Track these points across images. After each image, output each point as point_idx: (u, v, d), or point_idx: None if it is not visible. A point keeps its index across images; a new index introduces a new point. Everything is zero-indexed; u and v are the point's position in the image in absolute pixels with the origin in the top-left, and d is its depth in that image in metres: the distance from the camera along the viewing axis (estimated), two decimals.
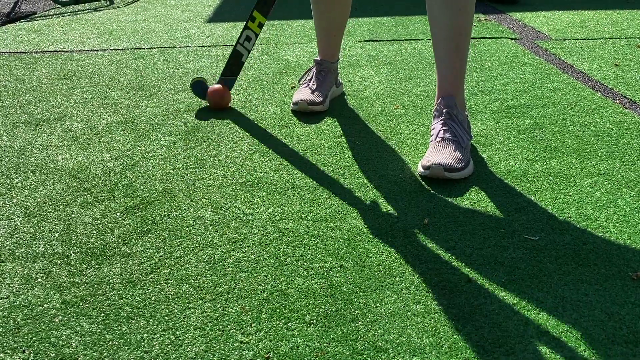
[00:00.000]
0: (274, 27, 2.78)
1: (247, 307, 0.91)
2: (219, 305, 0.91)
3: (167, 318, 0.89)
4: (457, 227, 1.11)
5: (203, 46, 2.43)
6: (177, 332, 0.86)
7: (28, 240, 1.09)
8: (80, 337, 0.85)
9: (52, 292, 0.95)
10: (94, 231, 1.12)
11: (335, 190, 1.26)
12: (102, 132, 1.57)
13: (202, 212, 1.18)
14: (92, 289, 0.96)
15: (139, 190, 1.27)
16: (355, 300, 0.92)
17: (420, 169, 1.29)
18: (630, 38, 2.42)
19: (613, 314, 0.89)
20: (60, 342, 0.85)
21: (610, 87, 1.84)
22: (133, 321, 0.88)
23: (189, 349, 0.83)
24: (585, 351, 0.82)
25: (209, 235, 1.10)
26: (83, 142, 1.51)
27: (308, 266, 1.01)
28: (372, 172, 1.33)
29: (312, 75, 1.73)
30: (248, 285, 0.96)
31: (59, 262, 1.03)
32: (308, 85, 1.72)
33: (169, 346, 0.84)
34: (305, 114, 1.67)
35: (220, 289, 0.95)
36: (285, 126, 1.59)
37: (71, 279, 0.98)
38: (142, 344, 0.84)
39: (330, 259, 1.03)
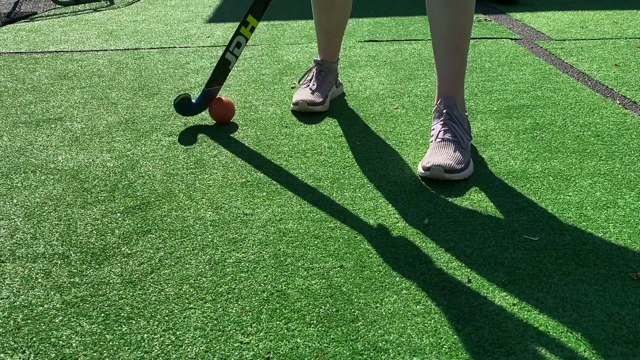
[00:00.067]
0: (274, 27, 2.78)
1: (247, 308, 0.91)
2: (219, 306, 0.91)
3: (167, 318, 0.89)
4: (457, 228, 1.11)
5: (203, 46, 2.43)
6: (178, 333, 0.86)
7: (28, 240, 1.09)
8: (81, 337, 0.86)
9: (52, 293, 0.95)
10: (94, 231, 1.12)
11: (336, 190, 1.26)
12: (102, 133, 1.57)
13: (202, 212, 1.18)
14: (92, 289, 0.96)
15: (139, 190, 1.27)
16: (355, 300, 0.92)
17: (420, 169, 1.29)
18: (630, 38, 2.42)
19: (613, 314, 0.89)
20: (61, 342, 0.85)
21: (610, 87, 1.84)
22: (133, 321, 0.88)
23: (189, 349, 0.83)
24: (585, 351, 0.82)
25: (209, 236, 1.10)
26: (83, 142, 1.51)
27: (308, 266, 1.01)
28: (372, 172, 1.33)
29: (313, 76, 1.73)
30: (248, 286, 0.96)
31: (59, 262, 1.03)
32: (308, 85, 1.72)
33: (169, 346, 0.84)
34: (306, 114, 1.67)
35: (220, 289, 0.95)
36: (286, 126, 1.59)
37: (71, 279, 0.98)
38: (143, 344, 0.84)
39: (331, 259, 1.03)
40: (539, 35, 2.54)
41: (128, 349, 0.83)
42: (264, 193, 1.25)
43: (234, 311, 0.90)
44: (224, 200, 1.22)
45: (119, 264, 1.02)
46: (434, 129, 1.37)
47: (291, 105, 1.71)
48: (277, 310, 0.90)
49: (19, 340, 0.85)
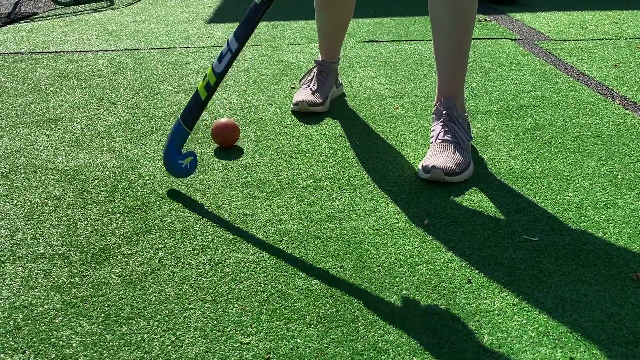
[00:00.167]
0: (274, 27, 2.78)
1: (247, 308, 0.91)
2: (219, 306, 0.92)
3: (167, 319, 0.89)
4: (457, 228, 1.11)
5: (203, 47, 2.43)
6: (178, 333, 0.86)
7: (28, 240, 1.09)
8: (81, 337, 0.86)
9: (52, 293, 0.95)
10: (95, 232, 1.12)
11: (336, 190, 1.26)
12: (103, 133, 1.57)
13: (203, 212, 1.18)
14: (92, 290, 0.96)
15: (140, 190, 1.27)
16: (355, 300, 0.92)
17: (420, 171, 1.29)
18: (630, 39, 2.42)
19: (613, 314, 0.89)
20: (61, 342, 0.85)
21: (610, 87, 1.84)
22: (133, 322, 0.88)
23: (189, 350, 0.83)
24: (585, 352, 0.82)
25: (209, 236, 1.10)
26: (83, 142, 1.51)
27: (308, 267, 1.01)
28: (372, 172, 1.33)
29: (313, 76, 1.73)
30: (248, 286, 0.96)
31: (59, 262, 1.03)
32: (309, 86, 1.72)
33: (169, 347, 0.84)
34: (306, 114, 1.67)
35: (220, 290, 0.95)
36: (286, 127, 1.59)
37: (71, 280, 0.98)
38: (143, 344, 0.84)
39: (331, 259, 1.03)
40: (539, 35, 2.54)
41: (128, 349, 0.83)
42: (264, 193, 1.25)
43: (234, 311, 0.90)
44: (223, 201, 1.22)
45: (119, 264, 1.02)
46: (433, 130, 1.37)
47: (291, 106, 1.71)
48: (277, 311, 0.90)
49: (19, 341, 0.85)
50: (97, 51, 2.40)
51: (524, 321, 0.88)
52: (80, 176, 1.33)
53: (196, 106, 1.24)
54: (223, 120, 1.48)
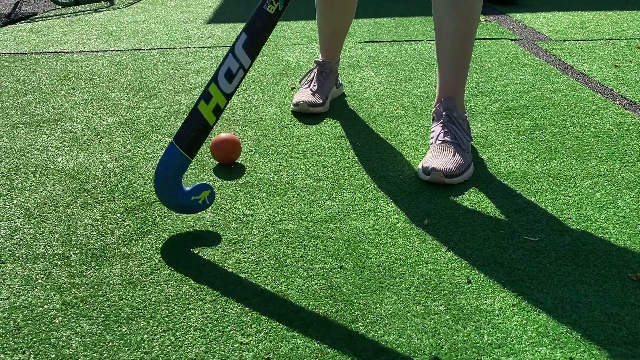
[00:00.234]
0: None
1: (247, 308, 0.91)
2: (219, 306, 0.92)
3: (167, 319, 0.89)
4: (457, 228, 1.11)
5: (203, 47, 2.43)
6: (177, 333, 0.86)
7: (28, 241, 1.09)
8: (81, 338, 0.86)
9: (52, 293, 0.95)
10: (94, 232, 1.12)
11: (335, 191, 1.26)
12: (103, 133, 1.57)
13: (202, 212, 1.18)
14: (92, 290, 0.96)
15: (139, 191, 1.27)
16: (355, 301, 0.92)
17: (421, 172, 1.29)
18: (630, 39, 2.42)
19: (612, 315, 0.89)
20: (61, 343, 0.85)
21: (610, 88, 1.84)
22: (133, 322, 0.88)
23: (189, 350, 0.83)
24: (584, 352, 0.82)
25: (209, 236, 1.10)
26: (83, 143, 1.51)
27: (308, 267, 1.01)
28: (372, 172, 1.33)
29: (313, 77, 1.73)
30: (248, 286, 0.96)
31: (59, 263, 1.03)
32: (309, 86, 1.72)
33: (169, 347, 0.84)
34: (306, 114, 1.67)
35: (220, 290, 0.95)
36: (286, 127, 1.59)
37: (71, 280, 0.98)
38: (142, 344, 0.84)
39: (330, 260, 1.03)
40: (539, 35, 2.54)
41: (128, 349, 0.83)
42: (264, 194, 1.25)
43: (233, 312, 0.90)
44: (223, 201, 1.22)
45: (119, 265, 1.02)
46: (433, 131, 1.37)
47: (291, 106, 1.71)
48: (277, 311, 0.90)
49: (19, 341, 0.85)
50: (97, 51, 2.40)
51: (524, 321, 0.88)
52: (80, 176, 1.33)
53: (200, 131, 1.06)
54: (223, 136, 1.35)
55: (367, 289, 0.95)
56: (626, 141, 1.46)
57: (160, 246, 1.07)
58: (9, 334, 0.87)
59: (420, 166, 1.30)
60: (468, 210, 1.17)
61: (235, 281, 0.97)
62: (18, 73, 2.11)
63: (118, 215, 1.18)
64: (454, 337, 0.85)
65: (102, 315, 0.90)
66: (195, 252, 1.05)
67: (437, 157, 1.29)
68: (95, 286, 0.97)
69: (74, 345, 0.84)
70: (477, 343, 0.84)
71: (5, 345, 0.84)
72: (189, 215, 1.16)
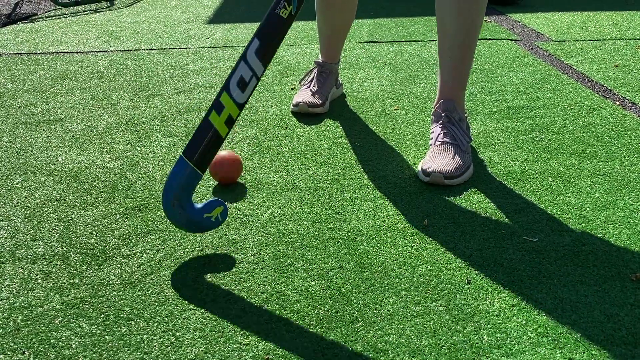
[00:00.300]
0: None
1: (246, 309, 0.91)
2: (218, 307, 0.92)
3: (167, 319, 0.89)
4: (456, 228, 1.11)
5: (203, 47, 2.43)
6: (177, 334, 0.86)
7: (28, 241, 1.09)
8: (80, 338, 0.86)
9: (52, 294, 0.95)
10: (94, 232, 1.12)
11: (335, 191, 1.26)
12: (102, 134, 1.57)
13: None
14: (92, 290, 0.96)
15: (139, 191, 1.27)
16: (354, 301, 0.93)
17: (420, 174, 1.29)
18: (630, 39, 2.42)
19: (612, 315, 0.89)
20: (60, 343, 0.85)
21: (609, 88, 1.84)
22: (133, 322, 0.89)
23: (188, 350, 0.83)
24: (584, 352, 0.82)
25: (209, 237, 1.10)
26: (83, 143, 1.51)
27: (308, 267, 1.01)
28: (372, 173, 1.33)
29: (314, 77, 1.73)
30: (248, 287, 0.96)
31: (59, 263, 1.03)
32: (309, 87, 1.73)
33: (169, 347, 0.84)
34: (305, 115, 1.67)
35: (219, 291, 0.95)
36: (285, 127, 1.60)
37: (71, 280, 0.98)
38: (142, 345, 0.84)
39: (330, 260, 1.03)
40: (539, 36, 2.54)
41: (128, 350, 0.83)
42: (264, 194, 1.25)
43: (233, 312, 0.90)
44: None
45: (119, 265, 1.02)
46: (433, 132, 1.37)
47: (291, 107, 1.71)
48: (277, 311, 0.90)
49: (19, 341, 0.85)
50: (97, 52, 2.40)
51: (523, 322, 0.88)
52: (80, 177, 1.33)
53: (212, 144, 0.99)
54: (223, 153, 1.24)
55: (367, 289, 0.95)
56: (626, 141, 1.46)
57: (159, 247, 1.07)
58: (8, 334, 0.87)
59: (419, 167, 1.30)
60: (468, 211, 1.17)
61: (235, 281, 0.97)
62: (18, 73, 2.11)
63: (118, 215, 1.18)
64: (454, 338, 0.85)
65: (102, 315, 0.90)
66: (195, 253, 1.05)
67: (437, 158, 1.29)
68: (95, 286, 0.97)
69: (73, 345, 0.84)
70: (477, 343, 0.84)
71: (5, 345, 0.84)
72: None
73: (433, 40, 2.46)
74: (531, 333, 0.85)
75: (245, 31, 2.71)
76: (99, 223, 1.15)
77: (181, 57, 2.28)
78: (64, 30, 2.80)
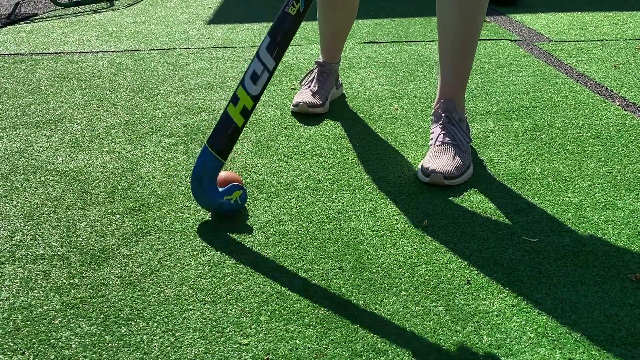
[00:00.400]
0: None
1: (246, 309, 0.91)
2: (218, 307, 0.92)
3: (166, 320, 0.89)
4: (456, 229, 1.11)
5: (203, 48, 2.43)
6: (177, 334, 0.86)
7: (28, 241, 1.09)
8: (80, 338, 0.86)
9: (51, 294, 0.95)
10: (94, 233, 1.12)
11: (335, 192, 1.26)
12: (102, 134, 1.57)
13: (202, 213, 1.18)
14: (91, 291, 0.96)
15: (139, 191, 1.27)
16: (354, 301, 0.93)
17: (420, 174, 1.29)
18: (630, 40, 2.42)
19: (612, 315, 0.89)
20: (60, 343, 0.85)
21: (609, 88, 1.84)
22: (133, 323, 0.89)
23: (188, 351, 0.83)
24: (584, 352, 0.82)
25: (209, 237, 1.10)
26: (83, 143, 1.51)
27: (308, 268, 1.01)
28: (372, 173, 1.33)
29: (314, 77, 1.73)
30: (247, 287, 0.96)
31: (58, 263, 1.03)
32: (309, 87, 1.73)
33: (169, 348, 0.84)
34: (305, 115, 1.67)
35: (219, 291, 0.95)
36: (285, 128, 1.60)
37: (71, 281, 0.98)
38: (142, 345, 0.84)
39: (330, 260, 1.03)
40: (539, 36, 2.54)
41: (127, 350, 0.83)
42: (264, 194, 1.25)
43: (233, 312, 0.90)
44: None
45: (119, 266, 1.02)
46: (433, 132, 1.37)
47: (291, 107, 1.71)
48: (277, 312, 0.90)
49: (19, 342, 0.85)
50: (97, 52, 2.40)
51: (523, 322, 0.88)
52: (80, 177, 1.33)
53: (231, 133, 1.10)
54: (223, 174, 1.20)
55: (367, 289, 0.95)
56: (625, 142, 1.46)
57: (159, 247, 1.07)
58: (8, 334, 0.87)
59: (419, 167, 1.30)
60: (467, 211, 1.17)
61: (235, 282, 0.97)
62: (18, 74, 2.11)
63: (118, 216, 1.18)
64: (453, 338, 0.85)
65: (102, 316, 0.90)
66: (195, 253, 1.05)
67: (437, 159, 1.29)
68: (95, 287, 0.97)
69: (73, 345, 0.84)
70: (477, 343, 0.84)
71: (4, 345, 0.84)
72: (188, 216, 1.17)
73: (433, 41, 2.46)
74: (531, 333, 0.85)
75: (245, 32, 2.71)
76: (98, 223, 1.15)
77: (181, 58, 2.28)
78: (64, 31, 2.80)
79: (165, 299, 0.94)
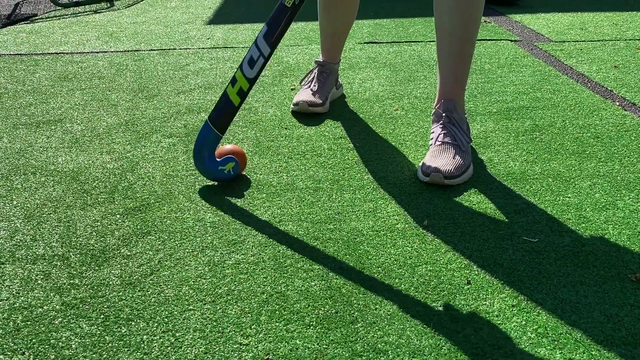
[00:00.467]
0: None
1: (246, 309, 0.91)
2: (218, 307, 0.92)
3: (166, 320, 0.89)
4: (456, 229, 1.11)
5: (203, 48, 2.43)
6: (177, 334, 0.86)
7: (28, 242, 1.09)
8: (80, 338, 0.86)
9: (52, 294, 0.95)
10: (94, 233, 1.12)
11: (335, 192, 1.26)
12: (102, 134, 1.57)
13: (202, 214, 1.18)
14: (91, 291, 0.96)
15: (139, 192, 1.27)
16: (354, 301, 0.93)
17: (420, 173, 1.29)
18: (630, 40, 2.42)
19: (612, 315, 0.89)
20: (60, 343, 0.85)
21: (609, 88, 1.84)
22: (133, 323, 0.89)
23: (188, 351, 0.83)
24: (584, 353, 0.82)
25: (209, 237, 1.10)
26: (83, 144, 1.51)
27: (307, 268, 1.01)
28: (372, 173, 1.34)
29: (314, 77, 1.73)
30: (247, 287, 0.96)
31: (58, 264, 1.03)
32: (309, 86, 1.73)
33: (169, 348, 0.84)
34: (305, 115, 1.67)
35: (219, 291, 0.95)
36: (285, 128, 1.60)
37: (71, 281, 0.98)
38: (142, 345, 0.84)
39: (330, 260, 1.03)
40: (539, 36, 2.54)
41: (127, 350, 0.83)
42: (264, 195, 1.25)
43: (233, 313, 0.90)
44: (223, 202, 1.22)
45: (119, 266, 1.02)
46: (433, 132, 1.37)
47: (291, 106, 1.71)
48: (277, 312, 0.90)
49: (19, 342, 0.85)
50: (97, 52, 2.40)
51: (523, 322, 0.88)
52: (80, 177, 1.33)
53: (228, 111, 1.24)
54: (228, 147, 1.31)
55: (367, 289, 0.95)
56: (626, 142, 1.46)
57: (159, 247, 1.07)
58: (8, 334, 0.87)
59: (419, 167, 1.30)
60: (468, 211, 1.17)
61: (235, 282, 0.97)
62: (18, 74, 2.11)
63: (118, 216, 1.18)
64: (454, 338, 0.85)
65: (102, 316, 0.90)
66: (195, 254, 1.05)
67: (437, 158, 1.29)
68: (95, 287, 0.97)
69: (73, 346, 0.84)
70: (477, 344, 0.84)
71: (4, 346, 0.84)
72: (188, 216, 1.17)
73: (433, 41, 2.46)
74: (531, 333, 0.85)
75: (245, 32, 2.71)
76: (98, 224, 1.15)
77: (181, 58, 2.28)
78: (64, 31, 2.80)
79: (165, 299, 0.94)
